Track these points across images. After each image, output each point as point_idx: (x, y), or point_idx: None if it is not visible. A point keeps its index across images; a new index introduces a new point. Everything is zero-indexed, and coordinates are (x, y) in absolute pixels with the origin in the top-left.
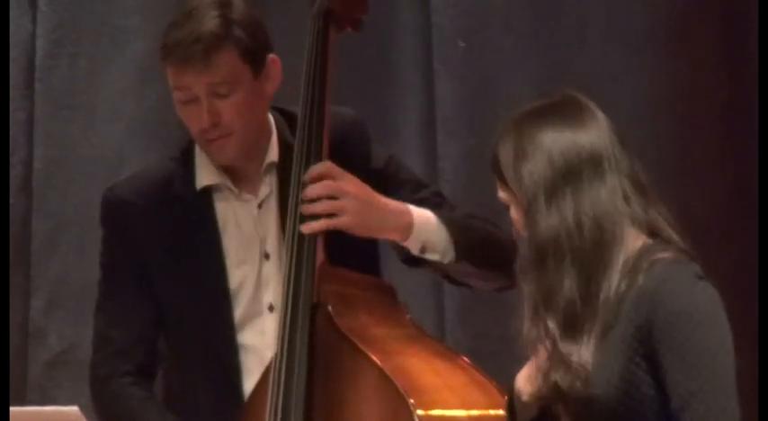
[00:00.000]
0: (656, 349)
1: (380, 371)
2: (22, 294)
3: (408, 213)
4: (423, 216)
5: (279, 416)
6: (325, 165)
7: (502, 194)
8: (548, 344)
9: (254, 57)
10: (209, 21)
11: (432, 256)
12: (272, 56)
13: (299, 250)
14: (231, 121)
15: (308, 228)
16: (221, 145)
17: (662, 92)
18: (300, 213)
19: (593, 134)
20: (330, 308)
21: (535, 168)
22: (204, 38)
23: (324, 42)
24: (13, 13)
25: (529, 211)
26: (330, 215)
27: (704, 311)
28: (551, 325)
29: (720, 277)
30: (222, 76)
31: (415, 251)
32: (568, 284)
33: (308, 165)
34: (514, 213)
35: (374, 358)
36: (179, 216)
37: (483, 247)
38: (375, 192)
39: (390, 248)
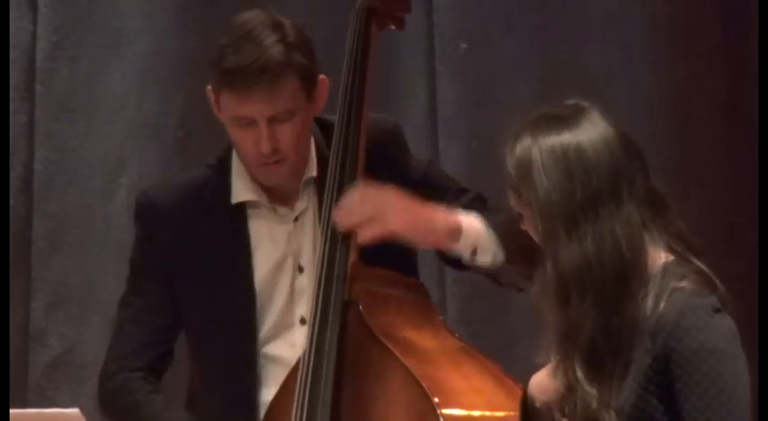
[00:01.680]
0: (673, 383)
1: (407, 371)
2: (23, 296)
3: (456, 217)
4: (470, 220)
5: (305, 411)
6: (360, 186)
7: (514, 203)
8: (571, 383)
9: (311, 81)
10: (272, 47)
11: (483, 259)
12: (322, 77)
13: (331, 249)
14: (288, 147)
15: (363, 238)
16: (276, 170)
17: (662, 92)
18: (340, 228)
19: (610, 156)
20: (361, 306)
21: (554, 198)
22: (270, 66)
23: (365, 39)
24: (13, 15)
25: (548, 243)
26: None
27: (722, 348)
28: (577, 365)
29: (721, 277)
30: (286, 105)
31: (466, 255)
32: (592, 320)
33: (342, 176)
34: (527, 225)
35: (402, 358)
36: (211, 228)
37: (528, 250)
38: (417, 200)
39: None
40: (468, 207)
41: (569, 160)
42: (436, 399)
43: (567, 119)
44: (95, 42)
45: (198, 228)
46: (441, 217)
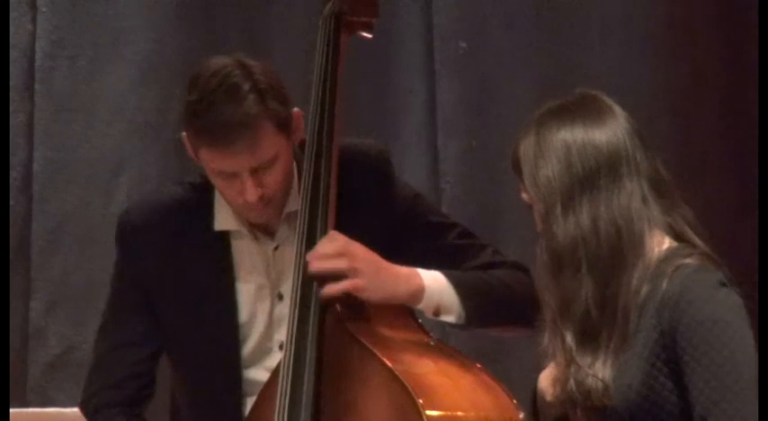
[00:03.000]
0: (679, 356)
1: (390, 371)
2: (22, 295)
3: (418, 277)
4: (433, 279)
5: (287, 411)
6: (333, 237)
7: (524, 195)
8: (565, 356)
9: (287, 123)
10: (246, 98)
11: (446, 318)
12: (296, 110)
13: (308, 248)
14: (274, 189)
15: (327, 291)
16: (263, 210)
17: (662, 92)
18: (311, 272)
19: (611, 135)
20: (339, 309)
21: (552, 174)
22: (246, 120)
23: (335, 46)
24: (13, 15)
25: (546, 220)
26: (340, 278)
27: (727, 320)
28: (568, 337)
29: None
30: (267, 155)
31: (429, 314)
32: (584, 293)
33: (315, 190)
34: (537, 216)
35: (383, 358)
36: (194, 253)
37: (497, 308)
38: (382, 259)
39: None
40: (451, 248)
41: (571, 143)
42: (421, 401)
43: (571, 106)
44: (95, 42)
45: (181, 252)
46: (404, 278)
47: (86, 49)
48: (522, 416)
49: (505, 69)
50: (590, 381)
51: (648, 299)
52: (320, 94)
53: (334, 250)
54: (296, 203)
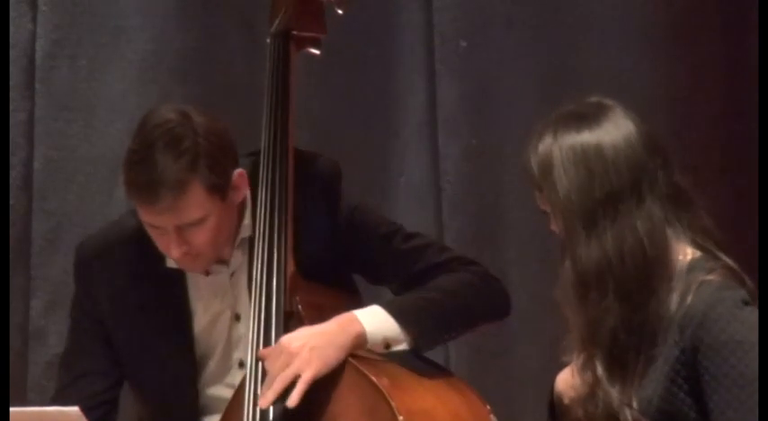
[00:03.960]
0: (701, 374)
1: (356, 369)
2: (22, 294)
3: (356, 322)
4: (372, 315)
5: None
6: (266, 350)
7: (540, 203)
8: (593, 381)
9: (221, 186)
10: (178, 160)
11: (398, 348)
12: (238, 171)
13: (269, 260)
14: (200, 247)
15: (291, 401)
16: (190, 263)
17: (662, 92)
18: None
19: (631, 154)
20: (303, 315)
21: (572, 193)
22: (169, 184)
23: (285, 62)
24: (13, 14)
25: (569, 241)
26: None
27: (751, 340)
28: (599, 365)
29: None
30: (192, 216)
31: (380, 350)
32: (613, 318)
33: (272, 209)
34: (554, 226)
35: (349, 358)
36: (149, 287)
37: (444, 322)
38: (316, 329)
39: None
40: (397, 258)
41: (589, 158)
42: (394, 403)
43: (588, 117)
44: (95, 41)
45: (135, 285)
46: (341, 334)
47: (87, 49)
48: (493, 418)
49: (506, 68)
50: (618, 407)
51: (673, 314)
52: (272, 112)
53: (280, 363)
54: (248, 230)
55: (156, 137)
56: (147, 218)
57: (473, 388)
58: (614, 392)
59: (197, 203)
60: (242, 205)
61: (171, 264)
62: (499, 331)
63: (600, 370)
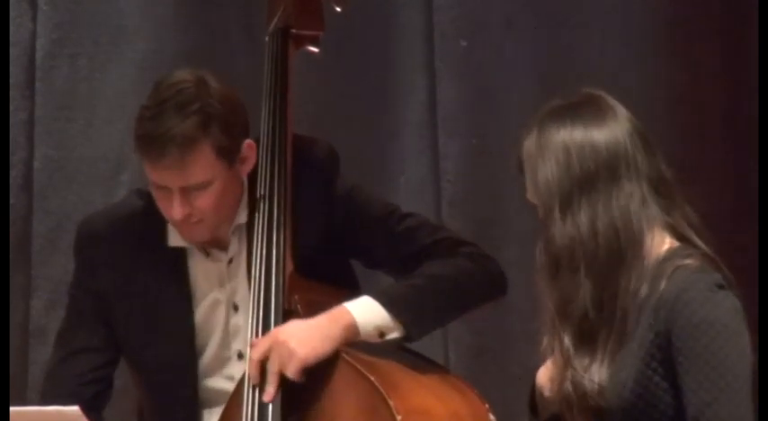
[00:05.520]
0: (674, 357)
1: (354, 368)
2: (23, 294)
3: (347, 314)
4: (363, 306)
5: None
6: (256, 348)
7: (529, 195)
8: (563, 357)
9: (231, 151)
10: (188, 118)
11: (392, 336)
12: (248, 142)
13: (268, 258)
14: (204, 211)
15: (268, 394)
16: (191, 229)
17: (662, 94)
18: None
19: (611, 136)
20: (302, 313)
21: (550, 176)
22: (179, 140)
23: (283, 61)
24: (13, 13)
25: (545, 222)
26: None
27: (723, 322)
28: (566, 338)
29: None
30: (198, 178)
31: (374, 339)
32: (582, 294)
33: (271, 203)
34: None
35: (346, 357)
36: (150, 267)
37: (436, 308)
38: (307, 321)
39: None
40: (391, 242)
41: (567, 142)
42: (392, 402)
43: (573, 107)
44: (95, 40)
45: (136, 265)
46: (332, 326)
47: (87, 48)
48: (491, 416)
49: (506, 68)
50: (586, 384)
51: (647, 299)
52: (271, 111)
53: (260, 352)
54: (244, 216)
55: (169, 95)
56: (154, 176)
57: (472, 386)
58: (582, 366)
59: (205, 164)
60: (230, 198)
61: (173, 242)
62: (499, 331)
63: (568, 344)
